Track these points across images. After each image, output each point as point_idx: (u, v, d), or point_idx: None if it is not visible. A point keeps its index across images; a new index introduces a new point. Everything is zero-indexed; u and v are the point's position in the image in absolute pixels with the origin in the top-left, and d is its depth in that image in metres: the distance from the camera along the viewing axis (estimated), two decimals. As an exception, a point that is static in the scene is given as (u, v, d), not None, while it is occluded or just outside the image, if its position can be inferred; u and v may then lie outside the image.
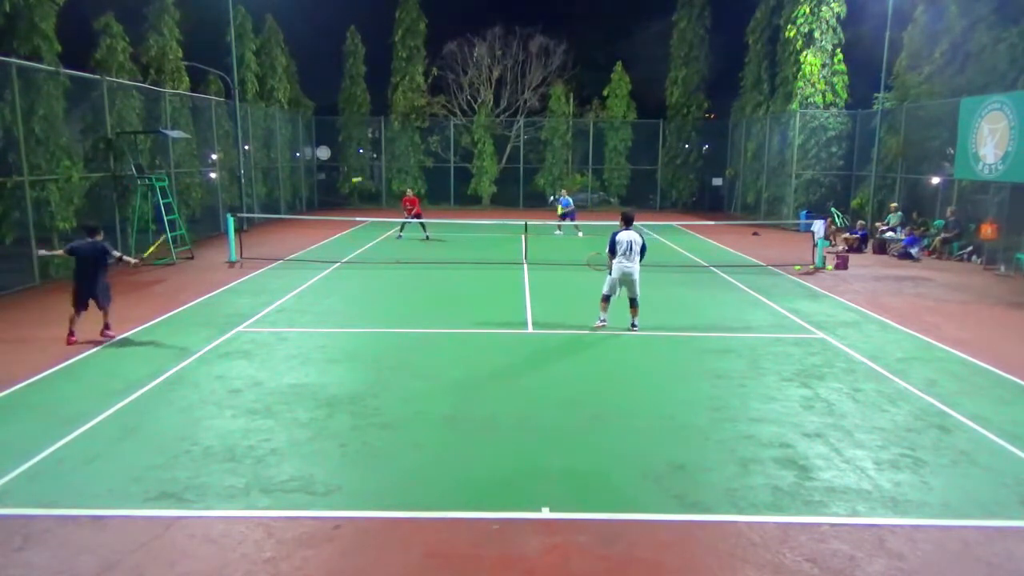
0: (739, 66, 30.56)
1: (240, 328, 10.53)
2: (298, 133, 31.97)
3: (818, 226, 16.98)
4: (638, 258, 10.44)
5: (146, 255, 10.78)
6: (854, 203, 24.37)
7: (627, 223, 10.63)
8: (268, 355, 9.23)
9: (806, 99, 25.44)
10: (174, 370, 8.54)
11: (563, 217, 22.62)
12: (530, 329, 10.94)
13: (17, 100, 13.12)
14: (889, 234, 19.98)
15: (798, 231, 23.08)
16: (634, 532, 5.10)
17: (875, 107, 23.52)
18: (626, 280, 10.47)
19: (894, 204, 21.13)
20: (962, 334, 10.76)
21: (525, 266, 16.50)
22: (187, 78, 22.06)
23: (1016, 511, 5.45)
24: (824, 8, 24.89)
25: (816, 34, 25.08)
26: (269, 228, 24.40)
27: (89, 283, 9.55)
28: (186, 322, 10.97)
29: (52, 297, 12.69)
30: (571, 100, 34.67)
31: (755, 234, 23.51)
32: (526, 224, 18.39)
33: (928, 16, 20.78)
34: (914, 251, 18.65)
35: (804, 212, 23.42)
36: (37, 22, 13.66)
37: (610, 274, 10.56)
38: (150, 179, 16.64)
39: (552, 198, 23.18)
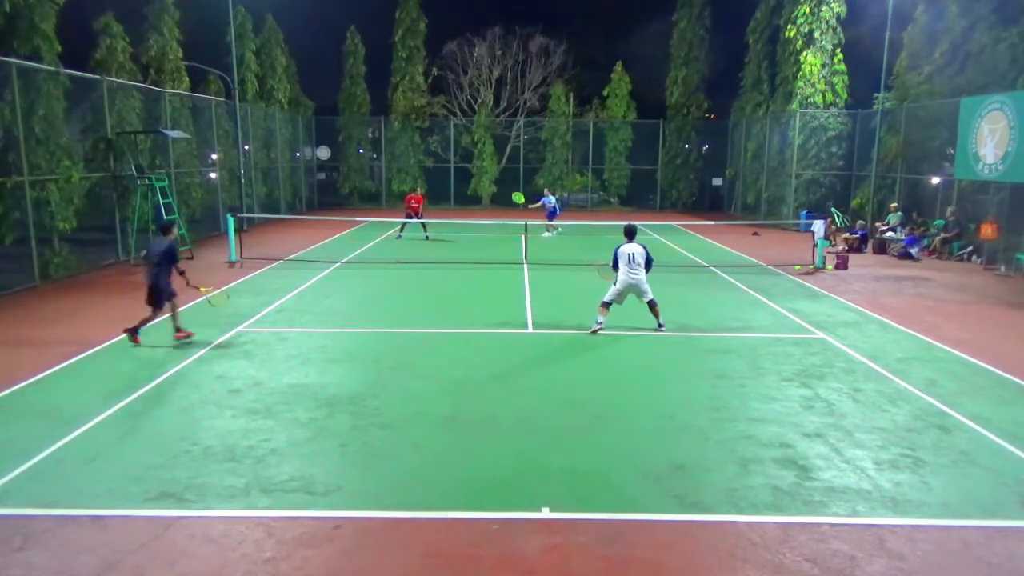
0: (739, 66, 30.58)
1: (240, 328, 10.53)
2: (298, 133, 31.97)
3: (818, 226, 16.97)
4: (643, 268, 10.37)
5: (208, 291, 11.01)
6: (854, 203, 24.36)
7: (630, 236, 10.57)
8: (268, 355, 9.23)
9: (806, 99, 25.44)
10: (174, 370, 8.54)
11: (549, 216, 22.69)
12: (530, 329, 10.94)
13: (17, 100, 13.12)
14: (889, 234, 19.98)
15: (798, 231, 23.08)
16: (634, 532, 5.10)
17: (875, 107, 23.52)
18: (634, 290, 10.43)
19: (894, 204, 21.13)
20: (962, 334, 10.76)
21: (525, 266, 16.49)
22: (187, 78, 22.07)
23: (1016, 511, 5.45)
24: (824, 8, 24.88)
25: (816, 34, 25.08)
26: (269, 228, 24.41)
27: (152, 281, 9.51)
28: (186, 322, 10.95)
29: (52, 297, 12.71)
30: (571, 100, 34.68)
31: (755, 234, 23.52)
32: (526, 224, 18.39)
33: (928, 16, 20.79)
34: (914, 251, 18.65)
35: (804, 212, 23.41)
36: (37, 22, 13.65)
37: (615, 284, 10.52)
38: (150, 179, 16.63)
39: (543, 200, 23.06)
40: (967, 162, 17.99)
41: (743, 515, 5.32)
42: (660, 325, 10.60)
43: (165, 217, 16.43)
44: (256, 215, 24.55)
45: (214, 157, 23.06)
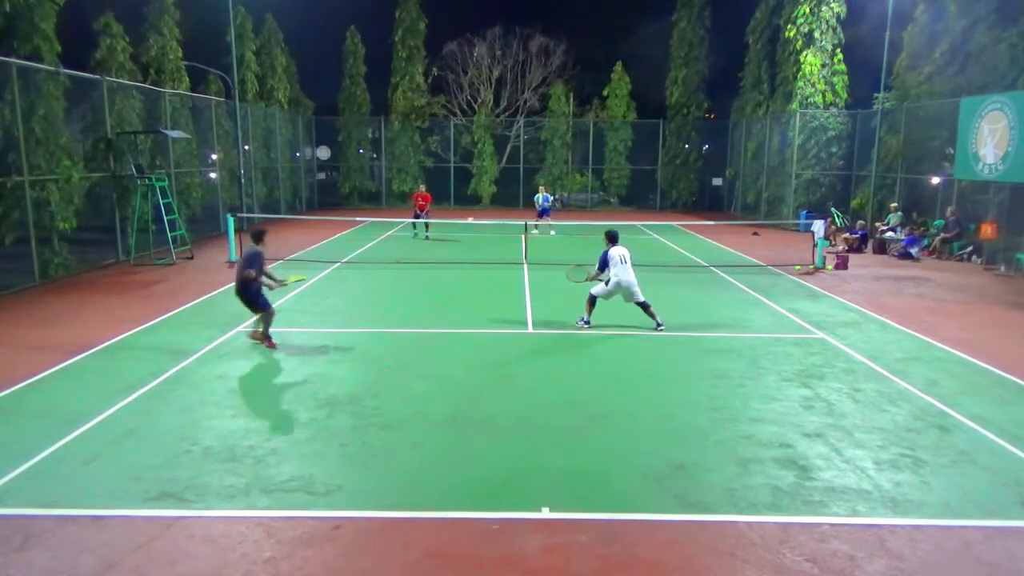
0: (739, 66, 30.57)
1: (240, 328, 10.53)
2: (298, 133, 31.98)
3: (818, 226, 16.99)
4: (631, 269, 10.57)
5: (288, 280, 10.92)
6: (854, 203, 24.37)
7: (612, 241, 10.70)
8: (268, 355, 9.24)
9: (806, 99, 25.44)
10: (174, 370, 8.54)
11: (540, 215, 22.69)
12: (530, 329, 10.94)
13: (17, 100, 13.12)
14: (889, 234, 19.98)
15: (798, 231, 23.08)
16: (634, 532, 5.10)
17: (875, 107, 23.52)
18: (626, 291, 10.52)
19: (894, 204, 21.13)
20: (962, 334, 10.76)
21: (525, 266, 16.50)
22: (187, 78, 22.08)
23: (1016, 511, 5.45)
24: (824, 8, 24.88)
25: (816, 34, 25.08)
26: (269, 228, 24.30)
27: (238, 290, 9.48)
28: (186, 322, 10.98)
29: (52, 297, 12.70)
30: (571, 100, 34.69)
31: (755, 234, 23.52)
32: (526, 224, 18.40)
33: (928, 16, 20.79)
34: (914, 251, 18.65)
35: (804, 212, 23.39)
36: (37, 22, 13.65)
37: (606, 285, 10.60)
38: (150, 179, 16.63)
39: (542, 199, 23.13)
40: (967, 162, 17.99)
41: (743, 515, 5.32)
42: (659, 325, 10.61)
43: (165, 217, 16.48)
44: (256, 215, 24.51)
45: (214, 157, 23.05)
